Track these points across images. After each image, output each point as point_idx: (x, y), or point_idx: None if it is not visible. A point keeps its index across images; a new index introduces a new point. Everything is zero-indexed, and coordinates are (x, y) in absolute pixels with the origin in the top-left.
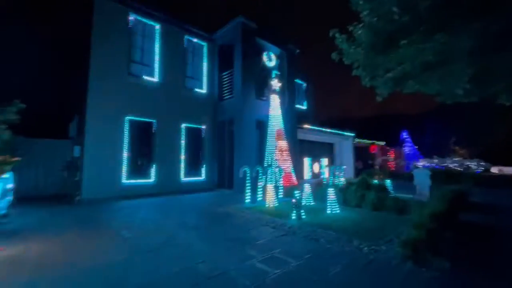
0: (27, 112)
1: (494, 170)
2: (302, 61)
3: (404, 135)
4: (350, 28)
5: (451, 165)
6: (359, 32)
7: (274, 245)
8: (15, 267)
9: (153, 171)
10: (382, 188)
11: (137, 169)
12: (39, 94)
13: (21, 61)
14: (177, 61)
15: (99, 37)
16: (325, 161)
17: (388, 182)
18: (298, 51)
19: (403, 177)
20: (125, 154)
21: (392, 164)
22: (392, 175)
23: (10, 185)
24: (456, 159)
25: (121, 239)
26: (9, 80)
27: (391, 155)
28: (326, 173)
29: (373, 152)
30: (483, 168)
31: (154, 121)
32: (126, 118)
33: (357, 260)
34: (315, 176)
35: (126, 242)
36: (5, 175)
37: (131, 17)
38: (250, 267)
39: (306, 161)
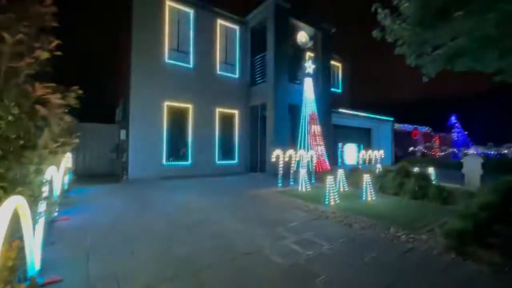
0: (79, 98)
1: None
2: (338, 41)
3: (453, 119)
4: (395, 2)
5: (508, 153)
6: (405, 5)
7: (306, 228)
8: (80, 232)
9: (189, 154)
10: (423, 176)
11: (176, 152)
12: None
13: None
14: (211, 47)
15: (139, 25)
16: (361, 147)
17: (431, 170)
18: (333, 30)
19: (449, 166)
20: (164, 137)
21: (436, 151)
22: (436, 163)
23: (70, 164)
24: None
25: (164, 214)
26: (59, 68)
27: (436, 142)
28: (361, 160)
29: (415, 138)
30: None
31: (190, 106)
32: (165, 103)
33: (394, 247)
34: (350, 162)
35: (169, 217)
36: (67, 155)
37: (167, 4)
38: (283, 247)
39: (341, 146)
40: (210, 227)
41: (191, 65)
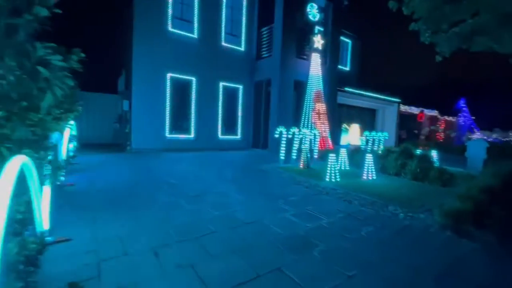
0: (81, 62)
1: None
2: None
3: (461, 103)
4: None
5: None
6: None
7: (306, 202)
8: (86, 197)
9: (193, 127)
10: (426, 158)
11: (179, 125)
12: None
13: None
14: (216, 16)
15: None
16: (365, 127)
17: (434, 152)
18: (346, 2)
19: (453, 150)
20: (168, 110)
21: (440, 135)
22: (440, 147)
23: (74, 132)
24: None
25: (168, 184)
26: (61, 35)
27: (442, 125)
28: (365, 139)
29: (420, 121)
30: None
31: (193, 78)
32: (168, 74)
33: (392, 224)
34: (354, 142)
35: (172, 187)
36: (71, 122)
37: None
38: (283, 219)
39: (345, 126)
40: (213, 197)
41: (195, 35)
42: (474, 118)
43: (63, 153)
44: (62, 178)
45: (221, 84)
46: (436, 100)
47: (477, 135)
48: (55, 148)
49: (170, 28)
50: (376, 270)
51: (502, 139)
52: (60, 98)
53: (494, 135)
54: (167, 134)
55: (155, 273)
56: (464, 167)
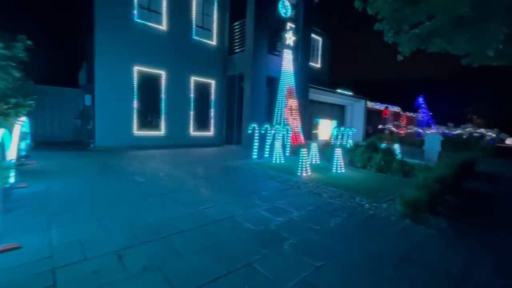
0: (34, 57)
1: (509, 141)
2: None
3: (420, 100)
4: None
5: (464, 134)
6: None
7: (278, 197)
8: (40, 199)
9: (163, 123)
10: (389, 151)
11: (148, 121)
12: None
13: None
14: (186, 9)
15: None
16: (335, 123)
17: (396, 146)
18: (317, 0)
19: (414, 144)
20: (135, 105)
21: (402, 130)
22: (402, 141)
23: (26, 129)
24: (471, 128)
25: (135, 183)
26: (11, 24)
27: (403, 121)
28: (334, 134)
29: (385, 116)
30: (496, 139)
31: (163, 72)
32: (135, 67)
33: (358, 214)
34: (324, 137)
35: (140, 186)
36: (22, 119)
37: None
38: (255, 214)
39: (316, 121)
40: (183, 195)
41: (164, 27)
42: (431, 114)
43: (13, 152)
44: (11, 180)
45: (193, 78)
46: (399, 97)
47: (433, 129)
48: (1, 146)
49: (136, 19)
50: (341, 259)
51: (455, 133)
52: (4, 90)
53: (448, 130)
54: (135, 131)
55: (118, 278)
56: (422, 159)
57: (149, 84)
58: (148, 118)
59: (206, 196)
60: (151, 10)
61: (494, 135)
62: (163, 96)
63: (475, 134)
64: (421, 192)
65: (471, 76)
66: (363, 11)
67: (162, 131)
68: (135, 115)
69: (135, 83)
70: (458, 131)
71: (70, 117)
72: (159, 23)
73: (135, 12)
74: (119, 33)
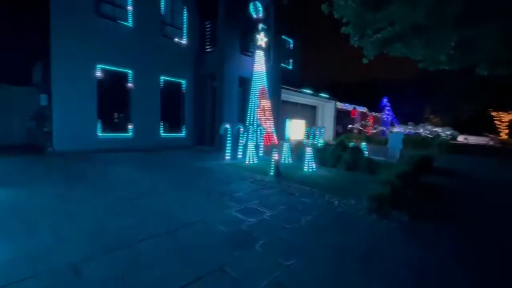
0: None
1: (460, 138)
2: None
3: (385, 101)
4: None
5: (423, 132)
6: None
7: (251, 197)
8: None
9: (130, 125)
10: (357, 150)
11: (114, 122)
12: None
13: None
14: (155, 5)
15: None
16: (307, 123)
17: (364, 145)
18: (287, 2)
19: (380, 142)
20: (99, 105)
21: (369, 129)
22: (369, 139)
23: None
24: (429, 126)
25: (97, 188)
26: None
27: (370, 121)
28: (306, 134)
29: (353, 116)
30: (450, 136)
31: (130, 71)
32: (98, 65)
33: (328, 211)
34: (297, 137)
35: (103, 192)
36: None
37: None
38: (227, 216)
39: (289, 121)
40: (153, 199)
41: (130, 24)
42: (394, 113)
43: None
44: None
45: (163, 78)
46: (365, 98)
47: (397, 128)
48: None
49: (98, 14)
50: (311, 256)
51: (415, 131)
52: None
53: (409, 128)
54: (99, 133)
55: None
56: (387, 156)
57: (114, 83)
58: (115, 119)
59: (176, 199)
60: (115, 6)
61: (448, 133)
62: (130, 95)
63: (432, 132)
64: (384, 188)
65: (428, 79)
66: (330, 15)
67: (129, 133)
68: (99, 115)
69: (98, 82)
70: (419, 130)
71: (23, 119)
72: (125, 19)
73: (97, 6)
74: (78, 29)
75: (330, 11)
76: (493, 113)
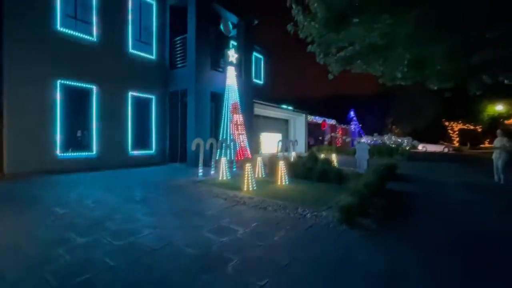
0: None
1: (420, 147)
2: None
3: (351, 114)
4: (307, 0)
5: (387, 142)
6: (315, 5)
7: (223, 215)
8: None
9: (94, 142)
10: (328, 161)
11: (76, 141)
12: None
13: None
14: (121, 20)
15: None
16: (279, 136)
17: (333, 156)
18: (256, 21)
19: (348, 153)
20: (58, 123)
21: (339, 141)
22: (339, 151)
23: None
24: (392, 136)
25: (52, 215)
26: None
27: (339, 132)
28: (279, 148)
29: (323, 129)
30: (411, 145)
31: (93, 86)
32: (58, 81)
33: (300, 225)
34: (270, 150)
35: (59, 218)
36: None
37: None
38: (197, 237)
39: (261, 135)
40: (115, 224)
41: (94, 38)
42: (361, 125)
43: None
44: None
45: (130, 94)
46: (334, 111)
47: (363, 139)
48: None
49: (59, 27)
50: (285, 272)
51: (380, 141)
52: None
53: (374, 139)
54: (59, 153)
55: None
56: (355, 167)
57: (77, 100)
58: (77, 137)
59: (142, 223)
60: (78, 20)
61: (408, 142)
62: (95, 112)
63: (395, 142)
64: (353, 197)
65: (388, 92)
66: (295, 34)
67: (93, 151)
68: (58, 133)
69: (58, 98)
70: (383, 140)
71: None
72: (89, 33)
73: (58, 20)
74: (35, 43)
75: (295, 30)
76: (446, 123)
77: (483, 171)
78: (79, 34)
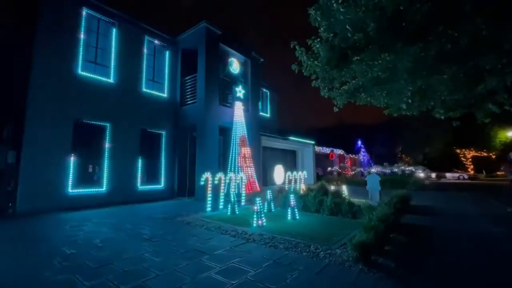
0: None
1: (433, 175)
2: (267, 71)
3: (359, 144)
4: (309, 42)
5: (397, 171)
6: (317, 46)
7: (233, 254)
8: None
9: (105, 179)
10: (338, 194)
11: (87, 177)
12: None
13: None
14: (136, 63)
15: (45, 32)
16: (287, 168)
17: (344, 187)
18: (262, 60)
19: (359, 183)
20: (72, 160)
21: (348, 171)
22: (349, 181)
23: None
24: (402, 166)
25: (61, 255)
26: None
27: (348, 162)
28: (288, 180)
29: (332, 159)
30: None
31: (108, 124)
32: (74, 120)
33: (314, 264)
34: (279, 182)
35: (67, 259)
36: None
37: (85, 12)
38: (206, 279)
39: (270, 168)
40: (122, 265)
41: (111, 79)
42: (370, 155)
43: None
44: None
45: (142, 130)
46: (341, 141)
47: (373, 168)
48: None
49: (80, 71)
50: None
51: (390, 171)
52: None
53: (385, 169)
54: (70, 190)
55: None
56: (367, 198)
57: (91, 137)
58: (89, 173)
59: (149, 264)
60: (98, 64)
61: (421, 171)
62: (107, 149)
63: (406, 171)
64: (368, 234)
65: (396, 121)
66: (300, 72)
67: (103, 187)
68: (71, 171)
69: (73, 136)
70: (394, 169)
71: None
72: (107, 75)
73: (80, 65)
74: (58, 87)
75: (299, 69)
76: (457, 150)
77: (504, 201)
78: (97, 77)
